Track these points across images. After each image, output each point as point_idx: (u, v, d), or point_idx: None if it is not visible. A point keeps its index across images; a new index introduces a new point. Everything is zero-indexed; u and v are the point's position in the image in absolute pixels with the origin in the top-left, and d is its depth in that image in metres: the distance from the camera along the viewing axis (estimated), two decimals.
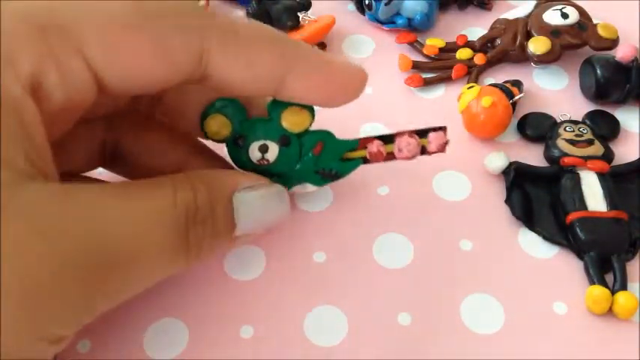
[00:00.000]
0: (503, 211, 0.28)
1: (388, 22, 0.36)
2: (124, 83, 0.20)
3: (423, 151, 0.25)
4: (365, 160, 0.25)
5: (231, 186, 0.21)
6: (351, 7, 0.37)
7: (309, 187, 0.25)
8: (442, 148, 0.25)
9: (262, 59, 0.21)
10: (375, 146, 0.24)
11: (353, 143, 0.24)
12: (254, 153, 0.24)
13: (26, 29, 0.18)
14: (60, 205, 0.17)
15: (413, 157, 0.25)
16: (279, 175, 0.24)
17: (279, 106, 0.23)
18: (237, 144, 0.24)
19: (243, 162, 0.24)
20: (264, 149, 0.24)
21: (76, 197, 0.18)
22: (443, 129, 0.25)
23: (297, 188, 0.25)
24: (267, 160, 0.24)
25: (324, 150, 0.24)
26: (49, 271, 0.16)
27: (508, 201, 0.28)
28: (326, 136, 0.24)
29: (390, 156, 0.25)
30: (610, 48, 0.33)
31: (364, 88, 0.23)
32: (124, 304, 0.25)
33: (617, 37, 0.33)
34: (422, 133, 0.24)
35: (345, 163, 0.25)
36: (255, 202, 0.22)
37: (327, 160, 0.24)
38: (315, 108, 0.23)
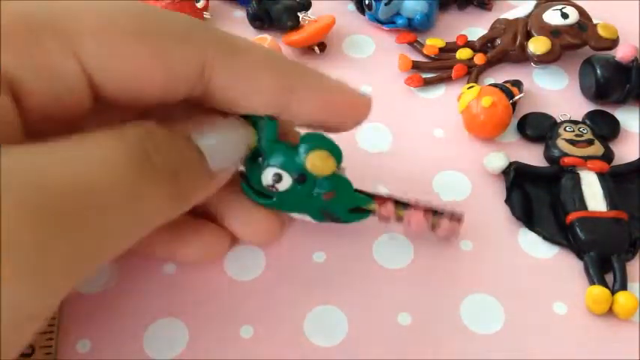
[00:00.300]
0: (503, 211, 0.28)
1: (388, 22, 0.36)
2: (121, 91, 0.20)
3: (433, 227, 0.25)
4: (372, 213, 0.25)
5: (184, 127, 0.21)
6: (351, 7, 0.37)
7: (308, 218, 0.25)
8: (451, 236, 0.25)
9: (265, 75, 0.21)
10: (387, 210, 0.25)
11: (366, 201, 0.25)
12: (267, 177, 0.23)
13: (16, 27, 0.18)
14: (9, 163, 0.16)
15: (419, 233, 0.25)
16: (289, 203, 0.24)
17: (309, 143, 0.22)
18: (255, 160, 0.23)
19: (254, 178, 0.23)
20: (277, 178, 0.23)
21: (14, 155, 0.16)
22: (459, 219, 0.25)
23: (297, 215, 0.25)
24: (277, 189, 0.23)
25: (336, 198, 0.24)
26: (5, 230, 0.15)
27: (508, 201, 0.28)
28: (342, 185, 0.24)
29: (399, 220, 0.25)
30: (610, 48, 0.33)
31: (369, 111, 0.24)
32: (123, 304, 0.25)
33: (617, 37, 0.33)
34: (438, 213, 0.25)
35: (352, 214, 0.25)
36: (215, 134, 0.21)
37: (335, 206, 0.24)
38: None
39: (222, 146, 0.21)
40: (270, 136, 0.22)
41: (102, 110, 0.21)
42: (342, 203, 0.24)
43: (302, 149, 0.22)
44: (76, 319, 0.25)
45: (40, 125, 0.19)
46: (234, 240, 0.25)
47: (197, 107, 0.22)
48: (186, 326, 0.25)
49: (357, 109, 0.24)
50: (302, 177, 0.23)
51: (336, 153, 0.23)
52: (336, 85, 0.23)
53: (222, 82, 0.20)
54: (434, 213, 0.25)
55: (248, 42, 0.22)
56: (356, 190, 0.24)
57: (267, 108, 0.22)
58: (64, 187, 0.16)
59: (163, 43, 0.19)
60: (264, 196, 0.24)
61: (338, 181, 0.23)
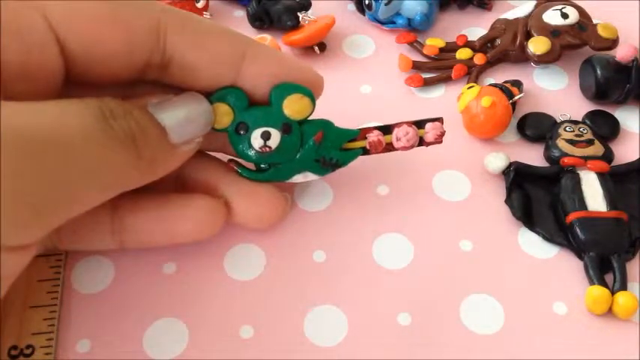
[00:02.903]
0: (503, 211, 0.28)
1: (388, 22, 0.36)
2: (86, 49, 0.21)
3: (421, 142, 0.26)
4: (365, 151, 0.25)
5: (140, 102, 0.22)
6: (351, 7, 0.37)
7: (310, 176, 0.26)
8: (439, 139, 0.26)
9: (216, 43, 0.23)
10: (374, 135, 0.25)
11: (353, 133, 0.25)
12: (257, 140, 0.24)
13: None
14: None
15: (411, 146, 0.25)
16: (281, 163, 0.25)
17: (280, 93, 0.24)
18: (238, 133, 0.24)
19: (245, 151, 0.24)
20: (266, 136, 0.24)
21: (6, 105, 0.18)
22: (439, 119, 0.26)
23: (298, 178, 0.25)
24: (270, 147, 0.24)
25: (325, 138, 0.25)
26: None
27: (508, 201, 0.28)
28: (327, 124, 0.25)
29: (389, 146, 0.25)
30: (610, 48, 0.33)
31: (321, 90, 0.26)
32: (123, 304, 0.25)
33: (617, 37, 0.33)
34: (419, 124, 0.26)
35: (345, 152, 0.25)
36: (172, 107, 0.22)
37: (327, 149, 0.25)
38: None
39: (179, 118, 0.22)
40: (243, 102, 0.24)
41: (83, 92, 0.22)
42: (333, 142, 0.25)
43: (275, 101, 0.24)
44: (76, 319, 0.25)
45: (17, 88, 0.20)
46: (228, 210, 0.26)
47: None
48: (187, 326, 0.25)
49: (309, 83, 0.25)
50: (287, 126, 0.24)
51: (307, 93, 0.24)
52: (289, 58, 0.25)
53: (176, 48, 0.22)
54: (416, 124, 0.26)
55: (200, 17, 0.24)
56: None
57: (221, 75, 0.23)
58: (33, 127, 0.18)
59: (120, 7, 0.21)
60: (260, 171, 0.25)
61: (321, 122, 0.25)
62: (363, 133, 0.25)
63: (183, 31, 0.22)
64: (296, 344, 0.24)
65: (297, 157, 0.25)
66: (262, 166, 0.25)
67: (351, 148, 0.25)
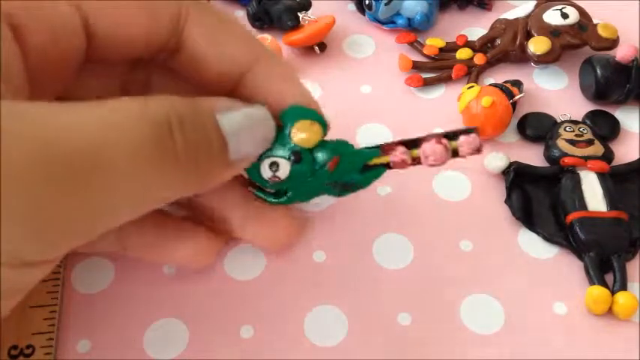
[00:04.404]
0: (503, 211, 0.28)
1: (388, 22, 0.36)
2: (112, 32, 0.21)
3: (455, 154, 0.22)
4: (388, 166, 0.23)
5: (211, 105, 0.20)
6: (351, 7, 0.37)
7: (331, 199, 0.24)
8: (477, 151, 0.22)
9: (233, 40, 0.22)
10: (398, 156, 0.22)
11: (373, 153, 0.23)
12: (265, 171, 0.22)
13: None
14: (12, 123, 0.16)
15: (443, 163, 0.22)
16: (296, 190, 0.23)
17: (289, 119, 0.22)
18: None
19: (256, 176, 0.23)
20: (275, 168, 0.22)
21: (21, 113, 0.16)
22: (475, 130, 0.22)
23: (316, 200, 0.24)
24: (279, 178, 0.22)
25: (341, 163, 0.22)
26: None
27: (508, 201, 0.28)
28: (342, 148, 0.22)
29: (417, 161, 0.23)
30: (610, 48, 0.33)
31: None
32: (124, 304, 0.25)
33: (617, 37, 0.33)
34: (451, 136, 0.22)
35: (366, 174, 0.23)
36: (240, 120, 0.20)
37: (344, 173, 0.23)
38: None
39: (246, 132, 0.21)
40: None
41: (92, 69, 0.22)
42: (350, 166, 0.23)
43: (285, 129, 0.22)
44: (76, 319, 0.25)
45: (40, 74, 0.20)
46: (224, 244, 0.25)
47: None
48: (187, 326, 0.25)
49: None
50: (296, 155, 0.22)
51: (318, 119, 0.22)
52: (299, 81, 0.23)
53: (191, 38, 0.22)
54: (447, 137, 0.22)
55: (222, 10, 0.23)
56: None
57: (228, 74, 0.22)
58: (76, 147, 0.16)
59: None
60: (278, 195, 0.23)
61: (335, 146, 0.22)
62: (384, 149, 0.23)
63: (202, 23, 0.22)
64: (296, 344, 0.24)
65: (311, 181, 0.22)
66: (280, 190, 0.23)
67: (372, 166, 0.23)
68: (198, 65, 0.22)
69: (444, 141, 0.22)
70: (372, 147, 0.23)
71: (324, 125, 0.22)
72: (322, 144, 0.22)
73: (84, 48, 0.21)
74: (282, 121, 0.22)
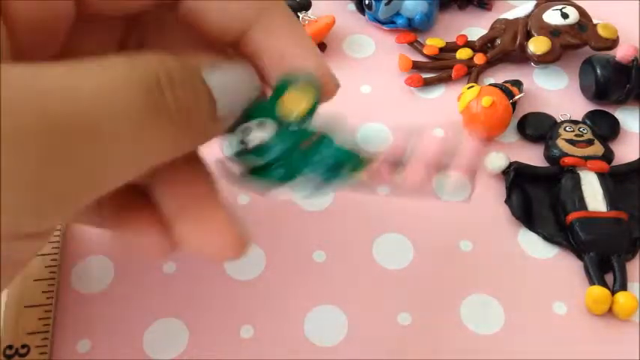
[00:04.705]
0: (503, 211, 0.28)
1: (388, 22, 0.36)
2: None
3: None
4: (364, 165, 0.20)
5: (197, 62, 0.19)
6: (351, 7, 0.37)
7: (328, 199, 0.22)
8: (465, 188, 0.21)
9: None
10: (381, 167, 0.21)
11: (359, 160, 0.20)
12: (242, 136, 0.20)
13: None
14: (5, 89, 0.15)
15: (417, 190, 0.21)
16: (278, 161, 0.20)
17: (281, 87, 0.20)
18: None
19: (234, 148, 0.21)
20: (247, 133, 0.20)
21: (10, 76, 0.15)
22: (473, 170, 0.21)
23: (291, 186, 0.21)
24: (257, 143, 0.20)
25: (314, 150, 0.20)
26: None
27: (508, 201, 0.28)
28: (325, 138, 0.20)
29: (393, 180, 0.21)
30: (610, 48, 0.33)
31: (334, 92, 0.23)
32: (124, 304, 0.25)
33: (617, 37, 0.33)
34: (442, 167, 0.21)
35: (335, 173, 0.20)
36: (225, 77, 0.20)
37: (315, 162, 0.20)
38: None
39: (233, 88, 0.20)
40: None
41: (86, 28, 0.20)
42: (324, 158, 0.20)
43: (274, 96, 0.20)
44: (76, 319, 0.25)
45: (29, 37, 0.19)
46: (173, 248, 0.21)
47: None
48: (187, 326, 0.25)
49: (323, 84, 0.21)
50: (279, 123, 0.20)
51: (312, 87, 0.20)
52: (309, 42, 0.22)
53: None
54: (438, 168, 0.20)
55: None
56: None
57: (228, 30, 0.21)
58: (66, 113, 0.16)
59: None
60: (266, 170, 0.21)
61: (320, 134, 0.20)
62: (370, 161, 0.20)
63: None
64: (296, 344, 0.24)
65: (293, 155, 0.20)
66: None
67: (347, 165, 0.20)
68: (198, 18, 0.21)
69: (431, 171, 0.21)
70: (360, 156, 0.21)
71: (315, 101, 0.20)
72: (305, 120, 0.20)
73: (73, 6, 0.19)
74: (275, 87, 0.20)
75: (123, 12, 0.21)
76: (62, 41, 0.20)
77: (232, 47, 0.21)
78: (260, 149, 0.20)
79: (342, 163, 0.20)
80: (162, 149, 0.18)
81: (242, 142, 0.20)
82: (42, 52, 0.20)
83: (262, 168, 0.21)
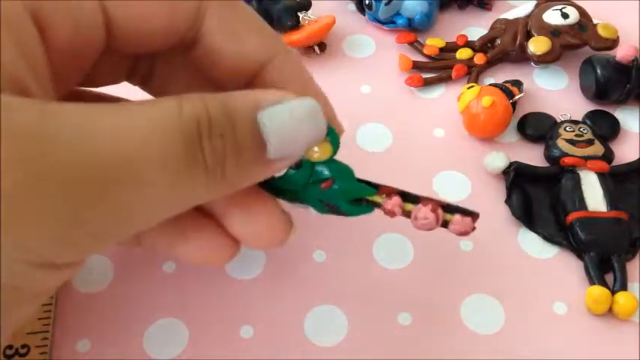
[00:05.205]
0: (503, 211, 0.28)
1: (388, 22, 0.36)
2: (132, 25, 0.20)
3: (445, 224, 0.22)
4: (378, 206, 0.22)
5: (251, 102, 0.19)
6: (351, 7, 0.37)
7: (312, 211, 0.23)
8: (465, 234, 0.22)
9: (252, 35, 0.22)
10: (391, 204, 0.22)
11: (368, 191, 0.22)
12: None
13: None
14: (44, 127, 0.16)
15: (429, 229, 0.22)
16: (285, 190, 0.22)
17: None
18: None
19: None
20: None
21: (63, 116, 0.16)
22: (474, 216, 0.22)
23: (300, 206, 0.23)
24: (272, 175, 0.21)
25: (334, 188, 0.22)
26: (25, 194, 0.15)
27: (508, 201, 0.28)
28: (342, 173, 0.22)
29: (406, 215, 0.22)
30: (610, 48, 0.33)
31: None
32: (124, 304, 0.25)
33: (617, 37, 0.33)
34: (450, 209, 0.22)
35: (354, 206, 0.22)
36: (284, 116, 0.19)
37: (335, 197, 0.22)
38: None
39: (289, 130, 0.19)
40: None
41: (106, 58, 0.21)
42: (343, 193, 0.22)
43: None
44: (76, 319, 0.25)
45: (62, 68, 0.19)
46: (238, 247, 0.23)
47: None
48: (187, 326, 0.25)
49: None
50: (297, 162, 0.21)
51: (332, 137, 0.21)
52: (316, 87, 0.23)
53: (209, 32, 0.21)
54: (445, 208, 0.22)
55: (244, 4, 0.22)
56: (360, 180, 0.22)
57: (243, 72, 0.22)
58: (111, 154, 0.16)
59: None
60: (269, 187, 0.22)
61: (337, 169, 0.22)
62: (382, 191, 0.22)
63: (221, 17, 0.21)
64: (296, 344, 0.24)
65: (302, 191, 0.22)
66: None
67: (363, 201, 0.22)
68: (214, 59, 0.22)
69: (440, 212, 0.22)
70: (371, 184, 0.22)
71: (336, 145, 0.21)
72: (326, 161, 0.21)
73: (104, 41, 0.20)
74: None
75: (146, 50, 0.22)
76: (88, 71, 0.21)
77: (244, 85, 0.22)
78: (280, 177, 0.22)
79: (361, 195, 0.22)
80: (197, 196, 0.19)
81: None
82: (69, 80, 0.21)
83: (280, 190, 0.22)
